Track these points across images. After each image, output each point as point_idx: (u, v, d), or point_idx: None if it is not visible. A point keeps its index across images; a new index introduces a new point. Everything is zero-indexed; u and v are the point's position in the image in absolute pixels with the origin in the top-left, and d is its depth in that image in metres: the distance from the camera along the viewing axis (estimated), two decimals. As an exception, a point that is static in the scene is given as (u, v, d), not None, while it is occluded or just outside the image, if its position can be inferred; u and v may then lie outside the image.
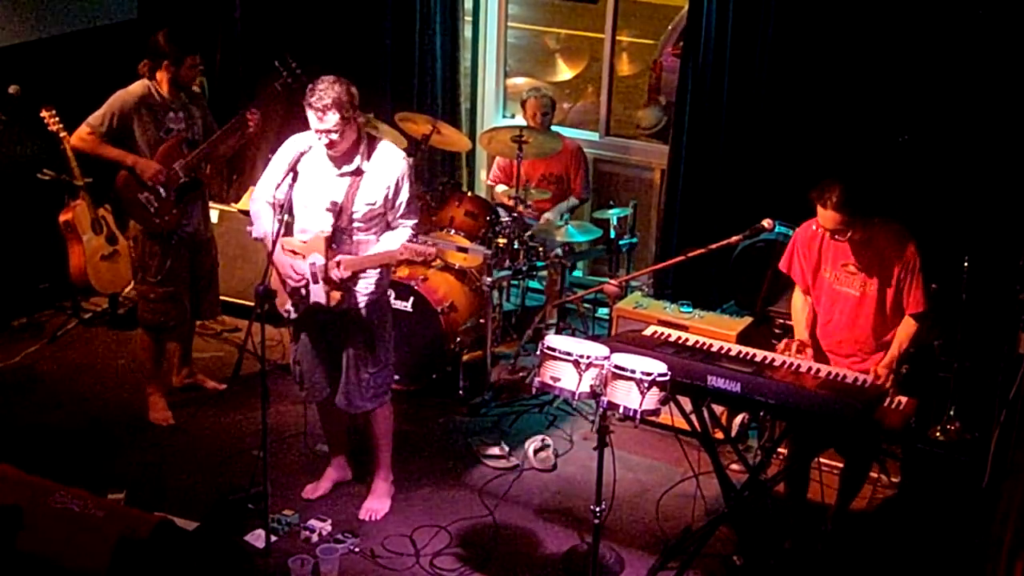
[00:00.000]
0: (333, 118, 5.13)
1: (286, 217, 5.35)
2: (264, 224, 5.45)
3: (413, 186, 5.47)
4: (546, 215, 7.65)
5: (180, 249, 6.40)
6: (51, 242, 7.48)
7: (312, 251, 5.35)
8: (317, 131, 5.19)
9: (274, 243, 5.34)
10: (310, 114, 5.16)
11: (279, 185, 5.35)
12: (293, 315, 5.50)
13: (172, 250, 6.36)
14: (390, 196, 5.35)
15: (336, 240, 5.35)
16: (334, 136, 5.18)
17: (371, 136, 5.46)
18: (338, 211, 5.32)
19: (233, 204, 7.96)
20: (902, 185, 6.43)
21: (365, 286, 5.46)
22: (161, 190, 6.20)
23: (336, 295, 5.37)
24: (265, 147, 8.21)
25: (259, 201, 5.49)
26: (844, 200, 5.08)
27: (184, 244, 6.42)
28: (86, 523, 4.94)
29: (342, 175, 5.33)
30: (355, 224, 5.36)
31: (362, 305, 5.47)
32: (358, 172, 5.32)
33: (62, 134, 7.12)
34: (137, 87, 6.20)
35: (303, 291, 5.40)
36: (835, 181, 5.11)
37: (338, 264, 5.28)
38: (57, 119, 7.13)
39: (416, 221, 5.48)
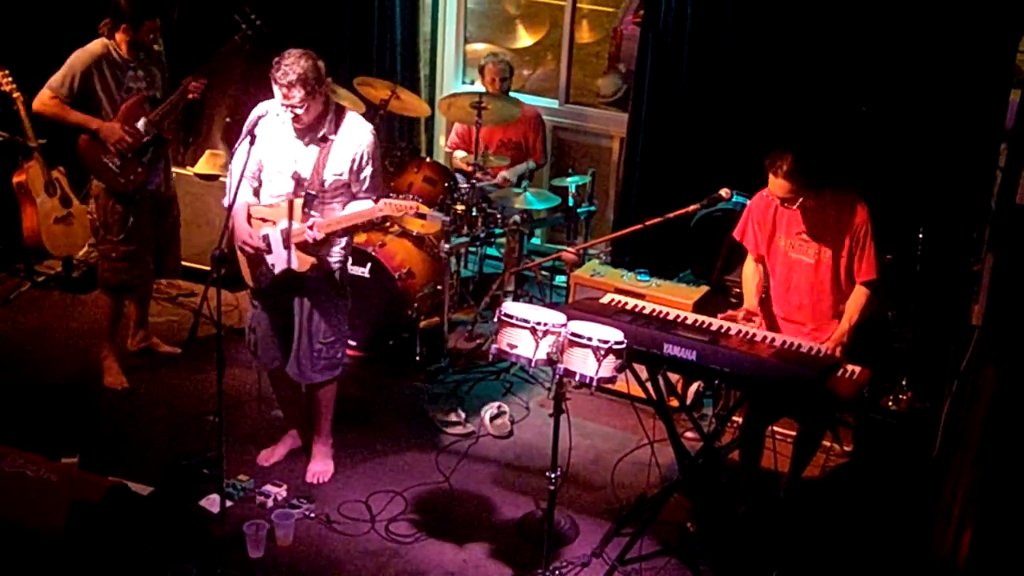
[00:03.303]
0: (298, 94, 5.10)
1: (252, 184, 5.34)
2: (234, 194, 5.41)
3: (378, 160, 5.46)
4: (503, 174, 7.66)
5: (143, 207, 6.35)
6: (4, 204, 7.39)
7: (282, 217, 5.33)
8: (282, 105, 5.17)
9: (230, 207, 5.31)
10: (275, 89, 5.13)
11: (236, 149, 5.31)
12: (263, 283, 5.48)
13: (135, 208, 6.31)
14: (355, 168, 5.34)
15: (306, 206, 5.34)
16: (299, 111, 5.17)
17: (340, 106, 5.44)
18: (308, 179, 5.30)
19: (189, 167, 7.89)
20: (858, 156, 6.47)
21: (331, 253, 5.46)
22: (128, 151, 6.15)
23: (308, 260, 5.36)
24: (223, 110, 8.15)
25: (230, 172, 5.43)
26: (794, 169, 5.14)
27: (147, 202, 6.38)
28: (40, 487, 4.91)
29: (309, 143, 5.31)
30: (323, 192, 5.34)
31: (332, 271, 5.47)
32: (325, 140, 5.30)
33: (15, 95, 7.05)
34: (95, 45, 6.14)
35: (267, 260, 5.38)
36: (786, 150, 5.16)
37: (312, 227, 5.27)
38: (10, 79, 7.05)
39: (378, 195, 5.48)
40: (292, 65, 5.08)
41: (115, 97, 6.16)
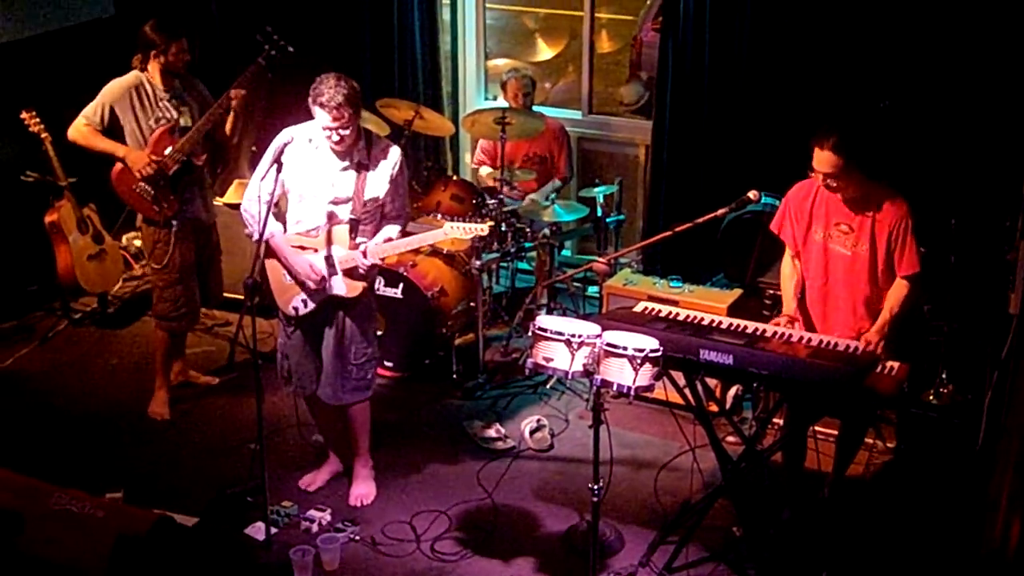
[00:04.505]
0: (347, 113, 5.15)
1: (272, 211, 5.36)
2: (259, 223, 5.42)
3: (406, 179, 5.53)
4: (530, 196, 7.65)
5: (185, 235, 6.39)
6: (38, 244, 7.45)
7: (324, 244, 5.36)
8: (328, 128, 5.19)
9: (261, 234, 5.31)
10: (321, 113, 5.15)
11: (264, 177, 5.33)
12: (304, 311, 5.49)
13: (175, 237, 6.35)
14: (391, 188, 5.40)
15: (353, 232, 5.38)
16: (345, 132, 5.20)
17: (367, 131, 5.49)
18: (351, 204, 5.35)
19: (218, 197, 7.92)
20: (888, 149, 6.43)
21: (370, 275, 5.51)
22: (159, 179, 6.20)
23: (358, 286, 5.40)
24: (248, 139, 8.18)
25: (252, 201, 5.41)
26: (841, 142, 5.09)
27: (189, 229, 6.42)
28: (86, 523, 4.93)
29: (346, 169, 5.34)
30: (361, 216, 5.39)
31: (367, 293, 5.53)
32: (362, 166, 5.34)
33: (43, 135, 7.12)
34: (128, 77, 6.24)
35: (320, 286, 5.41)
36: (834, 126, 5.15)
37: (364, 253, 5.31)
38: (38, 120, 7.11)
39: (404, 216, 5.56)
40: (336, 88, 5.11)
41: (146, 127, 6.22)
